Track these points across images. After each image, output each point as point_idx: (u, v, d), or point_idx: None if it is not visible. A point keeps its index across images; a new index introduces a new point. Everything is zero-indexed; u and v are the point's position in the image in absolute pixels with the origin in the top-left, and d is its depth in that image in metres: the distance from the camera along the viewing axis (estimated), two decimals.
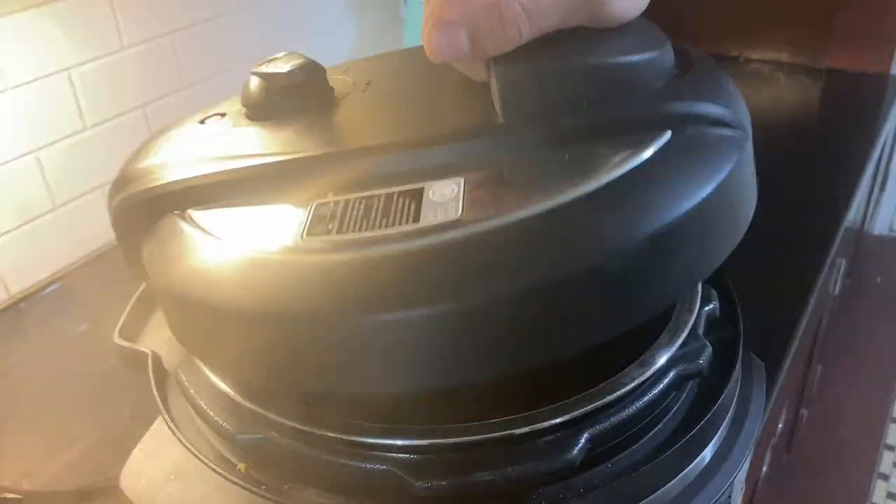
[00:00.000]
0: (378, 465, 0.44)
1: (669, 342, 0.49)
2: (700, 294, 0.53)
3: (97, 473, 0.74)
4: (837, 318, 1.77)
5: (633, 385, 0.46)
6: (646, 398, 0.47)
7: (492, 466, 0.44)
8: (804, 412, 1.61)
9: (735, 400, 0.51)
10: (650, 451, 0.48)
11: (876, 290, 2.26)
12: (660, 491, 0.46)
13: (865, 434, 1.87)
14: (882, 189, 2.10)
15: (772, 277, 0.94)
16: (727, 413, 0.50)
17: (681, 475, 0.47)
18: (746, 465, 0.50)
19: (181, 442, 0.48)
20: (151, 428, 0.50)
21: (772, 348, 0.81)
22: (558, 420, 0.44)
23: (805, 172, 1.24)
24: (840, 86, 1.57)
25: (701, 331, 0.52)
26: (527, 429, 0.44)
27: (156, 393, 0.52)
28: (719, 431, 0.49)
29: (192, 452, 0.48)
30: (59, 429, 0.81)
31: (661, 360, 0.48)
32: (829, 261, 1.04)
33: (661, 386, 0.48)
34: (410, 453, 0.44)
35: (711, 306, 0.54)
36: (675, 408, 0.50)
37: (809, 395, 1.62)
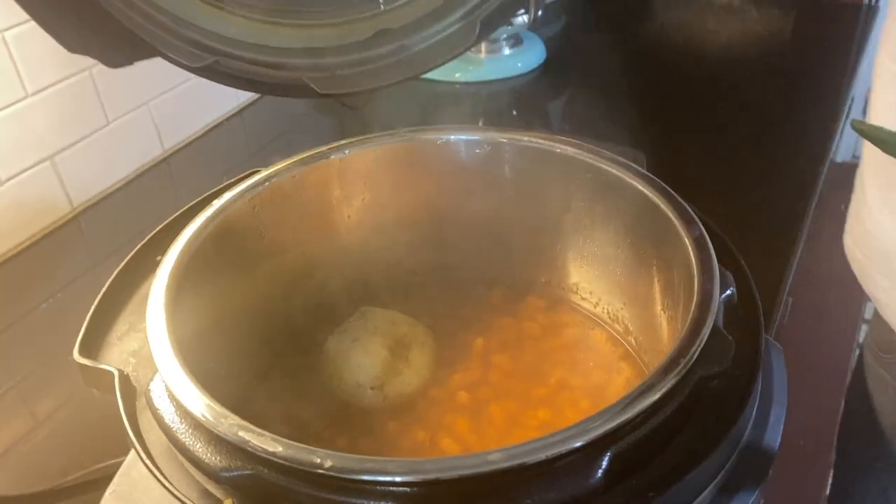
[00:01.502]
0: (377, 502, 0.40)
1: (691, 343, 0.45)
2: (718, 280, 0.49)
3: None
4: (807, 246, 1.76)
5: (658, 396, 0.42)
6: (669, 407, 0.43)
7: (507, 499, 0.39)
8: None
9: (758, 397, 0.47)
10: (676, 462, 0.44)
11: (840, 217, 2.26)
12: None
13: (832, 366, 1.88)
14: (847, 117, 2.07)
15: (758, 217, 0.91)
16: (752, 414, 0.46)
17: (712, 485, 0.43)
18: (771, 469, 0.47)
19: (160, 482, 0.43)
20: (124, 464, 0.45)
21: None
22: (578, 444, 0.40)
23: (782, 108, 1.20)
24: (812, 16, 1.52)
25: (721, 321, 0.48)
26: (542, 456, 0.39)
27: (126, 423, 0.47)
28: (746, 434, 0.46)
29: (173, 494, 0.43)
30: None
31: (686, 366, 0.43)
32: (815, 199, 1.01)
33: (685, 392, 0.44)
34: (412, 487, 0.39)
35: (729, 292, 0.50)
36: (698, 411, 0.46)
37: (781, 329, 1.62)
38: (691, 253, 0.51)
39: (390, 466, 0.39)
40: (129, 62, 0.66)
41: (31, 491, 0.71)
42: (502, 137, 0.65)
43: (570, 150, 0.62)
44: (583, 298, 0.68)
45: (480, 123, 1.24)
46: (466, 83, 1.32)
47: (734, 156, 1.06)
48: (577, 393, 0.62)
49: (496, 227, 0.69)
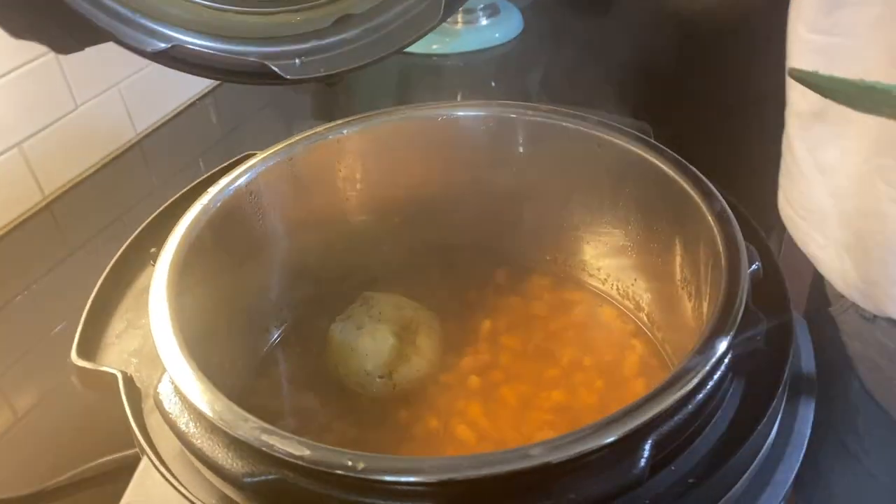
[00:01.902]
0: (411, 503, 0.38)
1: (725, 322, 0.43)
2: (745, 255, 0.47)
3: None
4: None
5: (699, 378, 0.40)
6: (707, 388, 0.42)
7: (548, 495, 0.38)
8: None
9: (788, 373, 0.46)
10: (714, 444, 0.43)
11: None
12: (732, 491, 0.41)
13: None
14: None
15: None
16: (784, 391, 0.45)
17: (753, 465, 0.42)
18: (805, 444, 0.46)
19: (179, 491, 0.41)
20: (137, 474, 0.43)
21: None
22: (621, 433, 0.38)
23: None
24: None
25: (749, 297, 0.46)
26: (586, 447, 0.38)
27: (136, 430, 0.44)
28: (779, 416, 0.44)
29: (191, 501, 0.40)
30: None
31: (723, 346, 0.42)
32: None
33: (720, 372, 0.42)
34: (448, 487, 0.37)
35: (755, 266, 0.48)
36: (731, 390, 0.45)
37: None
38: (714, 228, 0.49)
39: (426, 466, 0.37)
40: (81, 48, 0.63)
41: (18, 494, 0.68)
42: (504, 112, 0.63)
43: (576, 124, 0.60)
44: (590, 275, 0.66)
45: (459, 96, 1.22)
46: (444, 55, 1.29)
47: (732, 123, 1.04)
48: (590, 373, 0.60)
49: (498, 205, 0.67)
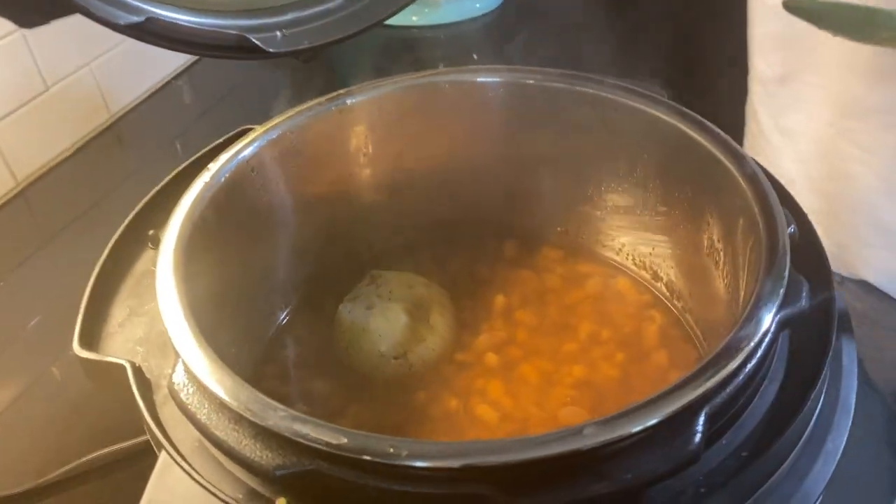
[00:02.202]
0: (458, 486, 0.36)
1: (774, 288, 0.41)
2: (783, 218, 0.45)
3: None
4: None
5: (751, 347, 0.39)
6: (757, 356, 0.40)
7: (603, 476, 0.36)
8: None
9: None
10: (764, 415, 0.41)
11: None
12: (786, 462, 0.40)
13: None
14: None
15: None
16: (830, 357, 0.43)
17: (804, 435, 0.41)
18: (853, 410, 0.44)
19: (205, 487, 0.38)
20: (155, 471, 0.40)
21: None
22: (676, 407, 0.36)
23: None
24: None
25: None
26: (643, 424, 0.36)
27: (152, 424, 0.41)
28: (826, 380, 0.43)
29: (221, 499, 0.38)
30: None
31: (772, 312, 0.40)
32: None
33: (769, 338, 0.40)
34: (499, 470, 0.35)
35: (791, 229, 0.46)
36: (776, 358, 0.43)
37: None
38: (747, 191, 0.47)
39: (474, 450, 0.35)
40: (46, 20, 0.59)
41: (10, 492, 0.65)
42: (514, 77, 0.60)
43: (589, 87, 0.58)
44: (604, 246, 0.64)
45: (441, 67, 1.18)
46: (424, 27, 1.26)
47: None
48: (610, 346, 0.59)
49: (505, 176, 0.65)
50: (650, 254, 0.61)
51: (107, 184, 1.01)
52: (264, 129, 0.56)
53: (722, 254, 0.52)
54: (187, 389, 0.40)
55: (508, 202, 0.65)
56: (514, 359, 0.58)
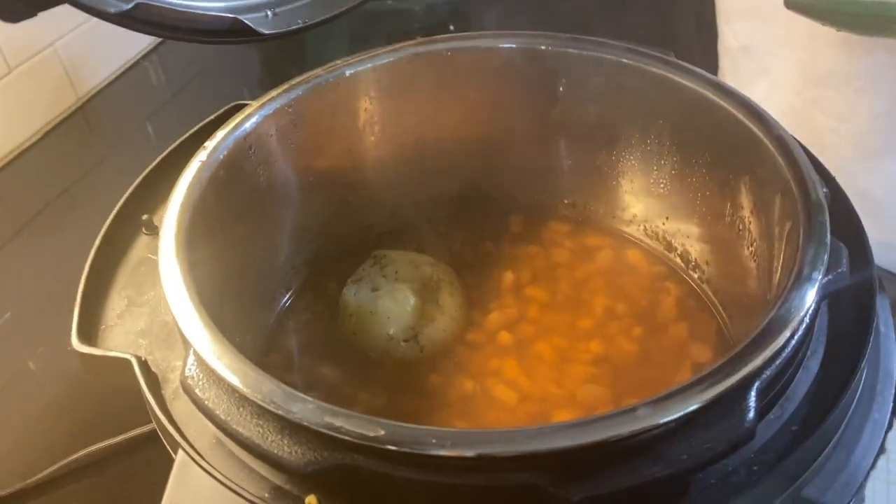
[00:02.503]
0: (509, 475, 0.34)
1: (817, 255, 0.39)
2: (818, 183, 0.44)
3: None
4: None
5: (800, 317, 0.37)
6: (805, 325, 0.38)
7: (659, 459, 0.34)
8: None
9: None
10: (810, 387, 0.39)
11: None
12: (836, 435, 0.38)
13: None
14: None
15: None
16: (873, 322, 0.42)
17: (852, 407, 0.39)
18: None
19: (228, 487, 0.35)
20: (174, 471, 0.37)
21: None
22: (730, 384, 0.34)
23: None
24: None
25: None
26: (698, 403, 0.34)
27: (165, 421, 0.38)
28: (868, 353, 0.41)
29: (246, 499, 0.35)
30: None
31: (818, 280, 0.38)
32: None
33: (813, 308, 0.39)
34: (557, 458, 0.33)
35: (826, 190, 0.45)
36: (823, 329, 0.41)
37: None
38: (775, 154, 0.45)
39: (523, 437, 0.33)
40: (34, 13, 0.55)
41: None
42: (518, 42, 0.57)
43: (599, 52, 0.55)
44: (613, 217, 0.62)
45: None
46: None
47: None
48: (625, 320, 0.57)
49: (508, 148, 0.62)
50: (663, 224, 0.59)
51: (76, 170, 0.96)
52: (260, 103, 0.52)
53: (747, 221, 0.50)
54: (202, 383, 0.37)
55: (513, 175, 0.63)
56: (528, 336, 0.56)
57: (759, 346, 0.36)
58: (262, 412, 0.36)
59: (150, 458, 0.63)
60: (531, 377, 0.54)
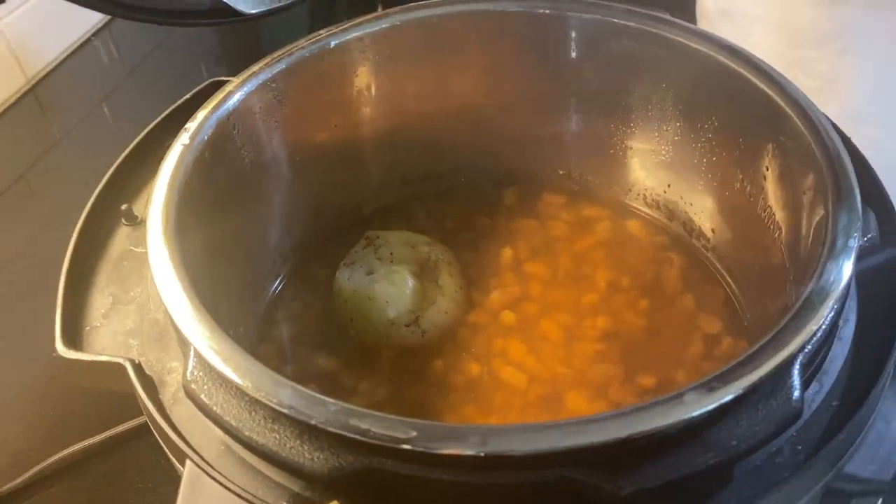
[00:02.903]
0: (555, 470, 0.31)
1: (851, 222, 0.37)
2: (842, 147, 0.42)
3: None
4: None
5: (840, 289, 0.35)
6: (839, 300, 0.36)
7: (709, 445, 0.32)
8: None
9: None
10: (847, 360, 0.38)
11: None
12: (877, 409, 0.37)
13: None
14: None
15: None
16: None
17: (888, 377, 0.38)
18: None
19: (241, 497, 0.33)
20: (183, 484, 0.34)
21: None
22: (777, 363, 0.32)
23: None
24: None
25: None
26: (742, 385, 0.32)
27: (166, 428, 0.35)
28: None
29: None
30: None
31: (854, 249, 0.36)
32: None
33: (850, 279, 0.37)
34: (605, 451, 0.31)
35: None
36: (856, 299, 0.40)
37: None
38: (794, 117, 0.43)
39: (566, 431, 0.31)
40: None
41: None
42: (505, 6, 0.54)
43: (595, 13, 0.53)
44: (611, 187, 0.60)
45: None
46: None
47: None
48: (631, 293, 0.55)
49: (500, 118, 0.59)
50: (665, 192, 0.57)
51: (31, 155, 0.91)
52: (241, 79, 0.49)
53: (760, 186, 0.48)
54: (207, 388, 0.34)
55: (505, 146, 0.60)
56: (532, 315, 0.54)
57: (802, 320, 0.34)
58: (277, 416, 0.33)
59: (133, 456, 0.60)
60: (538, 357, 0.51)
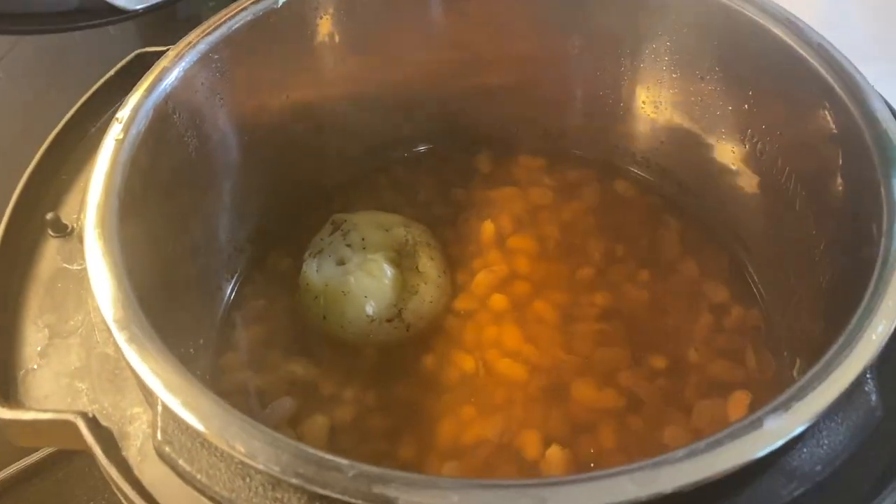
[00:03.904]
0: None
1: None
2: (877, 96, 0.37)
3: None
4: None
5: None
6: None
7: (792, 474, 0.28)
8: None
9: None
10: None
11: None
12: None
13: None
14: None
15: None
16: None
17: None
18: None
19: None
20: None
21: None
22: (855, 372, 0.28)
23: None
24: None
25: None
26: (825, 398, 0.27)
27: (134, 496, 0.29)
28: None
29: None
30: None
31: None
32: None
33: None
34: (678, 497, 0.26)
35: None
36: None
37: None
38: (819, 69, 0.39)
39: (642, 478, 0.26)
40: None
41: None
42: None
43: None
44: (595, 145, 0.54)
45: None
46: None
47: None
48: (629, 264, 0.50)
49: (463, 74, 0.53)
50: (659, 147, 0.52)
51: None
52: (177, 52, 0.41)
53: (777, 142, 0.43)
54: (187, 450, 0.28)
55: (476, 105, 0.54)
56: (524, 296, 0.49)
57: (877, 315, 0.29)
58: (278, 483, 0.27)
59: (76, 472, 0.54)
60: (536, 345, 0.47)
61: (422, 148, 0.55)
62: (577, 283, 0.49)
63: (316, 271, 0.47)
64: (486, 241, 0.51)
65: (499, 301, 0.48)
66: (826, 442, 0.28)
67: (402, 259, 0.48)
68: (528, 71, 0.52)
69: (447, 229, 0.52)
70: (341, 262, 0.47)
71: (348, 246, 0.47)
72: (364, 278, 0.46)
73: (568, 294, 0.49)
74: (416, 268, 0.48)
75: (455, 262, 0.50)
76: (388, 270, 0.46)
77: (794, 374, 0.43)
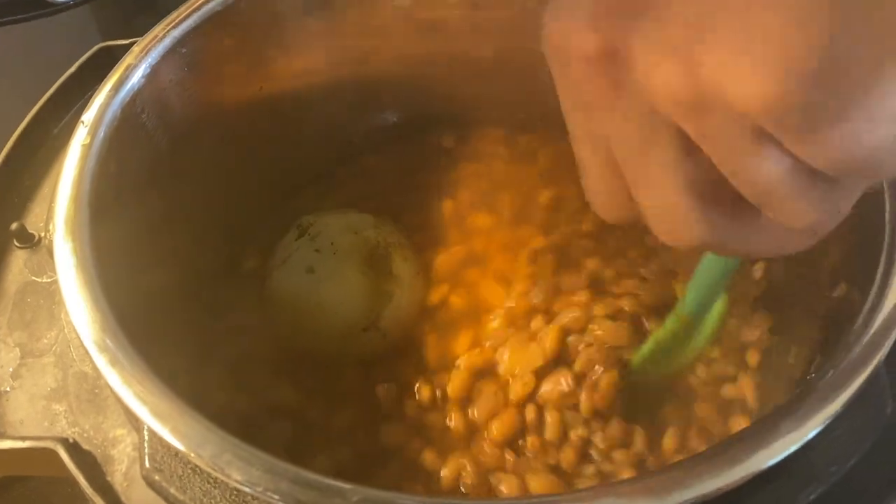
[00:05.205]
0: None
1: None
2: None
3: None
4: None
5: None
6: None
7: (810, 477, 0.27)
8: None
9: None
10: None
11: None
12: None
13: None
14: None
15: None
16: None
17: None
18: None
19: None
20: None
21: None
22: (869, 369, 0.28)
23: None
24: None
25: None
26: (836, 403, 0.27)
27: None
28: None
29: None
30: None
31: None
32: None
33: None
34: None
35: None
36: None
37: None
38: None
39: (669, 483, 0.25)
40: None
41: None
42: None
43: None
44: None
45: None
46: None
47: None
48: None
49: (433, 61, 0.51)
50: None
51: None
52: (142, 47, 0.39)
53: None
54: (178, 476, 0.27)
55: (435, 85, 0.52)
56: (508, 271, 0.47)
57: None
58: None
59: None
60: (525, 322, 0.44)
61: (386, 135, 0.53)
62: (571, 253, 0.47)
63: (283, 281, 0.44)
64: (446, 221, 0.50)
65: (471, 282, 0.46)
66: (840, 443, 0.28)
67: (375, 262, 0.45)
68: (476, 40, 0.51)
69: (414, 216, 0.50)
70: (310, 270, 0.44)
71: (317, 251, 0.44)
72: (333, 288, 0.43)
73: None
74: (390, 271, 0.45)
75: (424, 250, 0.48)
76: (360, 278, 0.44)
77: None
